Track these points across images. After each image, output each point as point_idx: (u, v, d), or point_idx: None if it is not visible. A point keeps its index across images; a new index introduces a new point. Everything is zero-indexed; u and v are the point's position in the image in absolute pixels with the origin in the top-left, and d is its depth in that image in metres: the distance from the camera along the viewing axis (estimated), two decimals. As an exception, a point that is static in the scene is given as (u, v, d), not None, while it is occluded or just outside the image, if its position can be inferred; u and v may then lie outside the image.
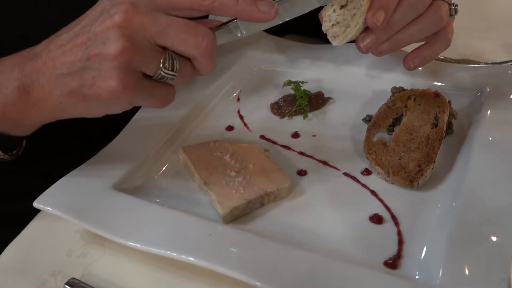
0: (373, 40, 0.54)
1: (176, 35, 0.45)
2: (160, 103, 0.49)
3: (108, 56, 0.43)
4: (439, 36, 0.58)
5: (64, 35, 0.47)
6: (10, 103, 0.48)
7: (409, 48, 0.61)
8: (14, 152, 0.54)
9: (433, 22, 0.56)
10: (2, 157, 0.53)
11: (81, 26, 0.46)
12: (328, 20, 0.53)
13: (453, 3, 0.59)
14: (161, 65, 0.46)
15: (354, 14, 0.52)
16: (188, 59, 0.47)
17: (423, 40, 0.59)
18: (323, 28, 0.54)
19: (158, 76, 0.46)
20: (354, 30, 0.52)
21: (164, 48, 0.46)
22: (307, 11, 0.52)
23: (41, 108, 0.48)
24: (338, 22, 0.53)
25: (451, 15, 0.58)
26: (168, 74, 0.46)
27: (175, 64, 0.46)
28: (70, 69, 0.46)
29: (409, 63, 0.59)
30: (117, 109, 0.48)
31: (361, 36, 0.55)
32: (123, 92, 0.45)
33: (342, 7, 0.52)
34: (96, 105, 0.47)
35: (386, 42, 0.56)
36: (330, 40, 0.54)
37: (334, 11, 0.52)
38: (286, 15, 0.51)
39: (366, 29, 0.54)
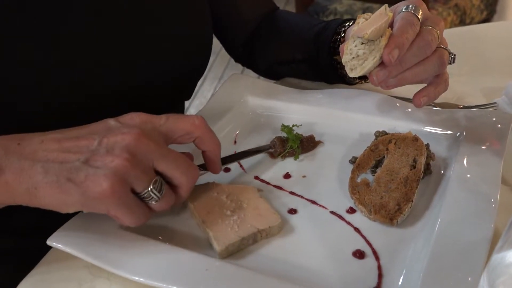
0: (385, 74, 0.62)
1: (173, 162, 0.52)
2: (133, 221, 0.51)
3: (109, 163, 0.48)
4: (441, 79, 0.67)
5: (62, 134, 0.51)
6: None
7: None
8: None
9: (437, 65, 0.64)
10: None
11: (84, 132, 0.51)
12: (349, 54, 0.61)
13: (452, 53, 0.66)
14: (151, 185, 0.50)
15: (373, 49, 0.59)
16: (172, 190, 0.53)
17: (423, 81, 0.67)
18: (343, 61, 0.62)
19: (145, 193, 0.50)
20: (371, 63, 0.60)
21: (157, 173, 0.51)
22: None
23: (7, 191, 0.49)
24: (357, 56, 0.60)
25: (449, 62, 0.66)
26: (154, 194, 0.51)
27: (162, 187, 0.51)
28: (62, 164, 0.48)
29: (419, 101, 0.66)
30: (89, 210, 0.50)
31: (375, 70, 0.62)
32: (109, 197, 0.47)
33: (363, 43, 0.59)
34: (74, 201, 0.48)
35: (394, 78, 0.63)
36: (347, 72, 0.62)
37: (355, 46, 0.60)
38: None
39: (380, 65, 0.61)
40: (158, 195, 0.51)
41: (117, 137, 0.50)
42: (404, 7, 0.64)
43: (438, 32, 0.63)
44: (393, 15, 0.64)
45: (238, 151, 0.73)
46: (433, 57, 0.63)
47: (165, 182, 0.53)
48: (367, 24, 0.59)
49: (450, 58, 0.66)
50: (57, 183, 0.48)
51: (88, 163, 0.48)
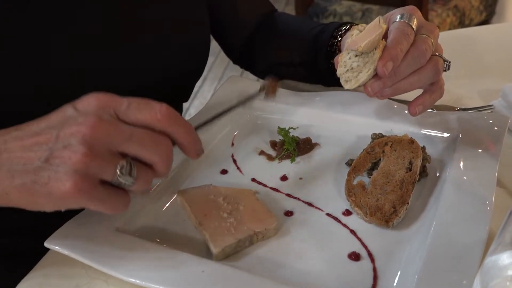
0: (380, 85, 0.62)
1: (138, 143, 0.48)
2: (111, 210, 0.50)
3: (67, 160, 0.46)
4: (436, 87, 0.66)
5: (24, 131, 0.49)
6: None
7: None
8: None
9: (431, 74, 0.64)
10: None
11: (43, 126, 0.49)
12: (343, 66, 0.61)
13: (447, 60, 0.66)
14: (118, 171, 0.48)
15: (367, 62, 0.59)
16: (147, 166, 0.50)
17: (419, 88, 0.67)
18: (338, 73, 0.62)
19: (115, 181, 0.48)
20: (365, 75, 0.60)
21: (125, 155, 0.49)
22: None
23: None
24: (352, 68, 0.60)
25: (444, 70, 0.66)
26: (125, 180, 0.48)
27: (132, 170, 0.49)
28: (26, 166, 0.47)
29: (414, 110, 0.66)
30: (64, 208, 0.49)
31: (369, 81, 0.62)
32: (75, 195, 0.46)
33: (357, 55, 0.59)
34: (44, 202, 0.48)
35: (389, 88, 0.63)
36: (342, 83, 0.62)
37: (349, 58, 0.60)
38: None
39: (374, 76, 0.61)
40: (130, 179, 0.49)
41: (72, 128, 0.47)
42: (399, 16, 0.64)
43: (432, 40, 0.63)
44: (388, 23, 0.64)
45: (235, 153, 0.74)
46: (428, 66, 0.63)
47: (139, 161, 0.49)
48: (361, 37, 0.59)
49: (445, 65, 0.66)
50: (24, 186, 0.47)
51: (49, 162, 0.47)
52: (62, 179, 0.46)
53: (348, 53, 0.60)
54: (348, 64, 0.60)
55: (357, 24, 0.79)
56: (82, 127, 0.47)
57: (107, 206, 0.49)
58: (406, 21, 0.62)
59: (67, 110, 0.50)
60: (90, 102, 0.50)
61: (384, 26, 0.60)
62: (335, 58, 0.63)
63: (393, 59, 0.59)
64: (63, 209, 0.50)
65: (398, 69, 0.61)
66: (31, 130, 0.49)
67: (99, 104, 0.49)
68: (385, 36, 0.62)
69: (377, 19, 0.61)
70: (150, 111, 0.50)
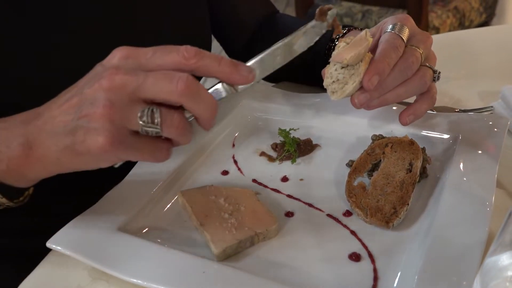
0: (366, 97, 0.62)
1: (152, 86, 0.47)
2: (152, 159, 0.51)
3: (94, 115, 0.47)
4: (428, 96, 0.66)
5: (65, 96, 0.51)
6: (15, 157, 0.51)
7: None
8: (20, 199, 0.58)
9: (418, 86, 0.64)
10: (8, 204, 0.57)
11: (77, 88, 0.50)
12: (330, 77, 0.61)
13: (437, 70, 0.66)
14: (139, 120, 0.47)
15: (353, 74, 0.59)
16: (178, 109, 0.49)
17: (407, 98, 0.67)
18: (324, 84, 0.62)
19: (142, 131, 0.48)
20: (351, 87, 0.60)
21: (151, 103, 0.48)
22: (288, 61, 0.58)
23: (42, 163, 0.52)
24: (338, 80, 0.60)
25: (434, 80, 0.66)
26: (149, 127, 0.48)
27: (155, 117, 0.48)
28: (65, 128, 0.49)
29: (405, 119, 0.66)
30: (107, 163, 0.51)
31: (356, 93, 0.62)
32: (110, 148, 0.47)
33: (342, 67, 0.60)
34: (89, 160, 0.50)
35: (376, 100, 0.63)
36: (329, 94, 0.62)
37: (335, 70, 0.60)
38: (267, 70, 0.56)
39: (361, 88, 0.61)
40: (155, 126, 0.48)
41: (95, 85, 0.48)
42: (390, 25, 0.63)
43: (422, 51, 0.63)
44: (380, 32, 0.64)
45: (236, 154, 0.74)
46: (415, 78, 0.63)
47: (166, 107, 0.48)
48: (346, 50, 0.59)
49: (434, 76, 0.65)
50: (67, 148, 0.49)
51: (81, 120, 0.48)
52: (94, 134, 0.47)
53: (334, 65, 0.61)
54: (334, 76, 0.61)
55: (356, 28, 0.80)
56: (102, 81, 0.48)
57: (146, 155, 0.50)
58: (397, 33, 0.62)
59: (96, 68, 0.51)
60: (114, 54, 0.50)
61: (370, 40, 0.60)
62: (322, 70, 0.63)
63: (379, 73, 0.59)
64: (110, 165, 0.51)
65: (384, 82, 0.61)
66: (68, 95, 0.51)
67: (122, 56, 0.49)
68: (374, 47, 0.62)
69: (364, 32, 0.61)
70: (177, 52, 0.49)
